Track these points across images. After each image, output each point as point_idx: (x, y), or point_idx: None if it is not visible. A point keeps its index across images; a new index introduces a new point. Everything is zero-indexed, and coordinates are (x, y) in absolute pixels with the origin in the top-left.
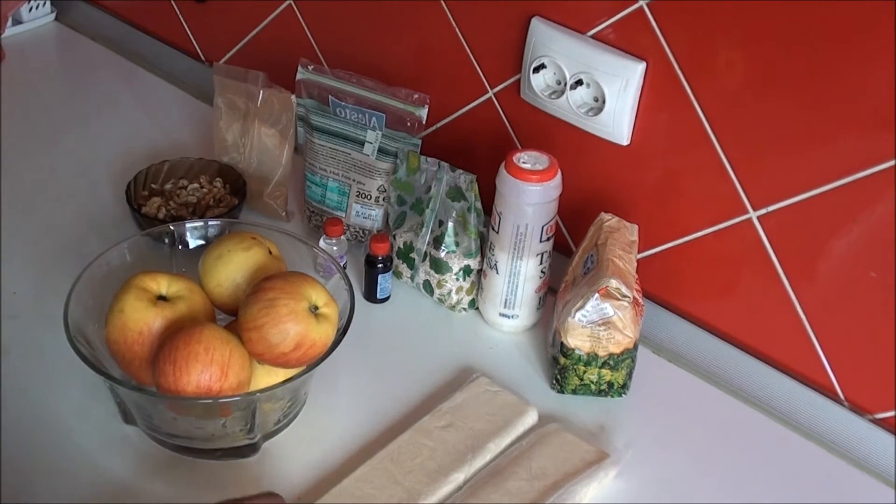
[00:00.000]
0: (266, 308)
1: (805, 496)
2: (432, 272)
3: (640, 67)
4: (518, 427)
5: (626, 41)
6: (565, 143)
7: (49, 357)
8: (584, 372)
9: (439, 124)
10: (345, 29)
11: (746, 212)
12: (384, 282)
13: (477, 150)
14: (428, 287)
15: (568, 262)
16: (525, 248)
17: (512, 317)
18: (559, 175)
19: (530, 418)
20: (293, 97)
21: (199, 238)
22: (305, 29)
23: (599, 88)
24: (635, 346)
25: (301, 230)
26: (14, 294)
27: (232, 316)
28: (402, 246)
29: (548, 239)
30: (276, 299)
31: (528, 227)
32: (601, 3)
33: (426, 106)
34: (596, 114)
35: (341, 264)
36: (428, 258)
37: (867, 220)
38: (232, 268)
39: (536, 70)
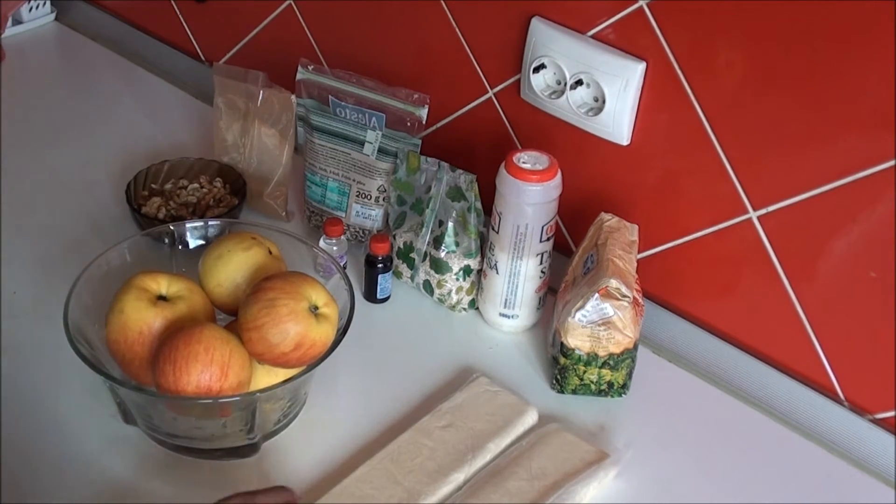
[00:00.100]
0: (266, 308)
1: (805, 496)
2: (432, 272)
3: (640, 67)
4: (518, 427)
5: (626, 41)
6: (565, 143)
7: (49, 357)
8: (584, 372)
9: (439, 124)
10: (345, 29)
11: (746, 212)
12: (384, 282)
13: (477, 150)
14: (428, 287)
15: (568, 262)
16: (525, 248)
17: (512, 317)
18: (559, 175)
19: (530, 418)
20: (293, 97)
21: (199, 238)
22: (305, 29)
23: (599, 88)
24: (635, 346)
25: (301, 230)
26: (14, 294)
27: (232, 316)
28: (402, 246)
29: (548, 239)
30: (276, 299)
31: (528, 227)
32: (601, 3)
33: (426, 106)
34: (596, 114)
35: (341, 264)
36: (428, 258)
37: (867, 220)
38: (232, 268)
39: (536, 70)
